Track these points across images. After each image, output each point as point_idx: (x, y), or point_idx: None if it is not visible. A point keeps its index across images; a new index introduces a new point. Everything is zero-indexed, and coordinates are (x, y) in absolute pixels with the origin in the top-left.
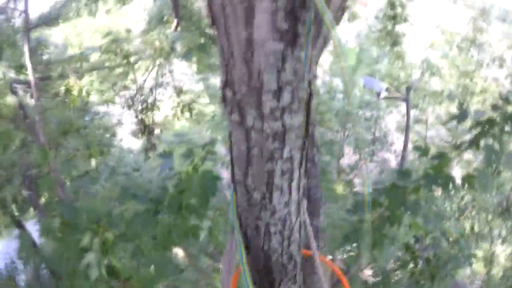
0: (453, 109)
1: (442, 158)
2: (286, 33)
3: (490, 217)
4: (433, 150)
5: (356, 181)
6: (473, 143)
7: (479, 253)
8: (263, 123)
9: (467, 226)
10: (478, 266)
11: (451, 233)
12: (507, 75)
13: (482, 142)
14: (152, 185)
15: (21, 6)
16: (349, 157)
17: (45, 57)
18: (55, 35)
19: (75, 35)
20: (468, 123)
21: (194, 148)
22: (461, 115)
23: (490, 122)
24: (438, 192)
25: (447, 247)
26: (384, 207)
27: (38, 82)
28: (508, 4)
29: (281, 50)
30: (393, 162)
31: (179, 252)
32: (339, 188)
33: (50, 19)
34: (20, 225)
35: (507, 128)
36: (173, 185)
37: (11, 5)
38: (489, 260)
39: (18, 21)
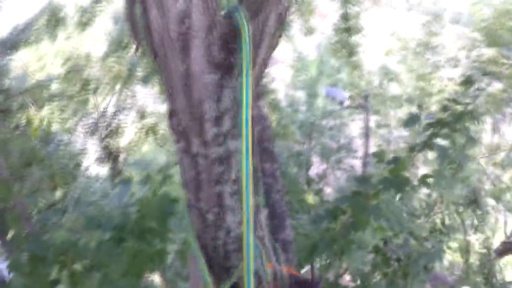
0: (413, 111)
1: (397, 162)
2: (221, 64)
3: (460, 209)
4: (392, 154)
5: (327, 189)
6: (426, 144)
7: (454, 245)
8: (207, 149)
9: (438, 221)
10: (456, 257)
11: (420, 231)
12: (462, 74)
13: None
14: (115, 213)
15: None
16: (317, 167)
17: (4, 87)
18: (14, 61)
19: (36, 60)
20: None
21: (152, 173)
22: (413, 119)
23: (441, 122)
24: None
25: (416, 244)
26: (347, 214)
27: None
28: (460, 7)
29: (217, 80)
30: (360, 168)
31: (156, 278)
32: (310, 198)
33: (10, 46)
34: None
35: (458, 127)
36: (135, 211)
37: None
38: (465, 250)
39: None
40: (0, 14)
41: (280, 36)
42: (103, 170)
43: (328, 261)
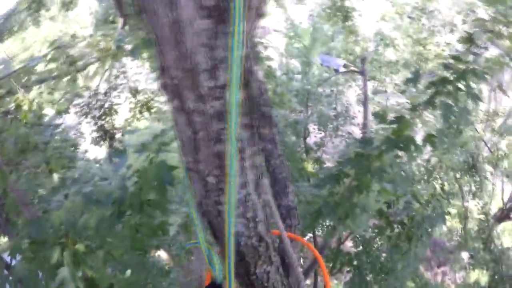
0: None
1: (400, 122)
2: (213, 10)
3: (458, 175)
4: (393, 116)
5: (324, 157)
6: (429, 103)
7: (453, 211)
8: (203, 105)
9: (437, 186)
10: (454, 223)
11: (422, 195)
12: (458, 39)
13: (438, 101)
14: (113, 187)
15: None
16: (314, 135)
17: None
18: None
19: (23, 50)
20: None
21: (147, 143)
22: (414, 77)
23: (443, 80)
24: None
25: (419, 208)
26: (351, 177)
27: None
28: None
29: (210, 28)
30: (358, 135)
31: (162, 254)
32: (309, 166)
33: None
34: None
35: (460, 85)
36: (132, 183)
37: None
38: (464, 216)
39: None
40: None
41: None
42: (101, 152)
43: (331, 227)
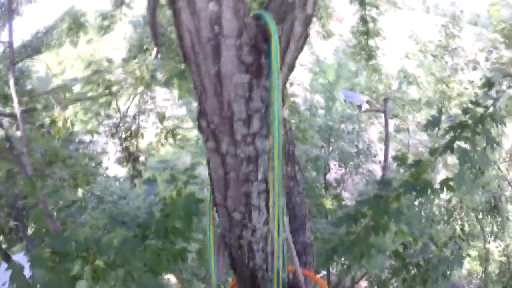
0: (433, 114)
1: (419, 165)
2: (251, 66)
3: (480, 215)
4: (413, 158)
5: (344, 194)
6: (448, 147)
7: (474, 253)
8: (236, 149)
9: (457, 227)
10: (475, 265)
11: (440, 237)
12: (481, 76)
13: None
14: (139, 212)
15: (4, 36)
16: (335, 171)
17: (28, 87)
18: (37, 63)
19: (57, 63)
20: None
21: (176, 174)
22: (435, 121)
23: (462, 125)
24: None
25: (436, 250)
26: (368, 217)
27: (23, 114)
28: (478, 8)
29: (248, 82)
30: (379, 173)
31: (171, 278)
32: (328, 203)
33: (32, 49)
34: (7, 257)
35: (478, 130)
36: (158, 210)
37: None
38: (485, 258)
39: None
40: (22, 19)
41: (305, 40)
42: (122, 171)
43: (346, 266)
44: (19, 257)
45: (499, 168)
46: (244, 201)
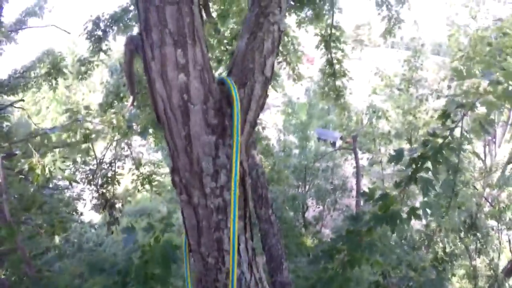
0: (401, 147)
1: (385, 199)
2: (216, 127)
3: (461, 235)
4: (386, 191)
5: (324, 230)
6: (411, 179)
7: (461, 272)
8: (206, 201)
9: (440, 250)
10: (464, 284)
11: (418, 263)
12: (445, 104)
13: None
14: (118, 258)
15: None
16: (313, 209)
17: (5, 129)
18: (15, 105)
19: (32, 103)
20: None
21: (153, 222)
22: (396, 156)
23: (423, 157)
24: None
25: (416, 276)
26: (343, 252)
27: (2, 160)
28: (439, 38)
29: (214, 141)
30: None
31: None
32: (308, 241)
33: (9, 89)
34: None
35: (440, 159)
36: (137, 257)
37: None
38: (473, 276)
39: None
40: (0, 58)
41: (265, 100)
42: (97, 217)
43: None
44: None
45: (475, 187)
46: (217, 246)
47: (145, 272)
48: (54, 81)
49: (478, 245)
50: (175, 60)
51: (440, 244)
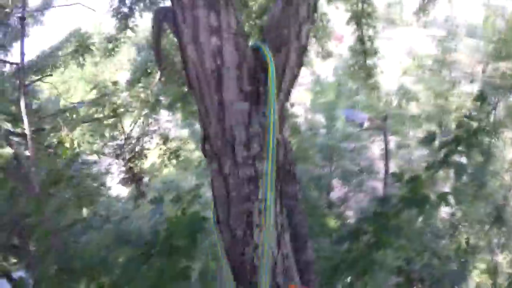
0: (432, 129)
1: (415, 181)
2: (250, 94)
3: (486, 227)
4: (411, 174)
5: (349, 213)
6: (444, 162)
7: (482, 266)
8: (238, 170)
9: (463, 240)
10: (484, 279)
11: (443, 251)
12: (479, 88)
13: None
14: (144, 231)
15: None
16: (339, 189)
17: (34, 107)
18: (43, 83)
19: (60, 83)
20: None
21: (181, 194)
22: (429, 138)
23: (457, 139)
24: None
25: (440, 264)
26: (369, 234)
27: (32, 135)
28: (475, 20)
29: (247, 109)
30: (381, 190)
31: None
32: (331, 222)
33: (38, 69)
34: (8, 274)
35: (474, 143)
36: (164, 229)
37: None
38: (493, 271)
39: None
40: (27, 40)
41: (300, 68)
42: (125, 191)
43: (349, 283)
44: (17, 277)
45: (503, 179)
46: (246, 219)
47: (170, 244)
48: (81, 58)
49: (503, 239)
50: (208, 23)
51: (464, 235)
